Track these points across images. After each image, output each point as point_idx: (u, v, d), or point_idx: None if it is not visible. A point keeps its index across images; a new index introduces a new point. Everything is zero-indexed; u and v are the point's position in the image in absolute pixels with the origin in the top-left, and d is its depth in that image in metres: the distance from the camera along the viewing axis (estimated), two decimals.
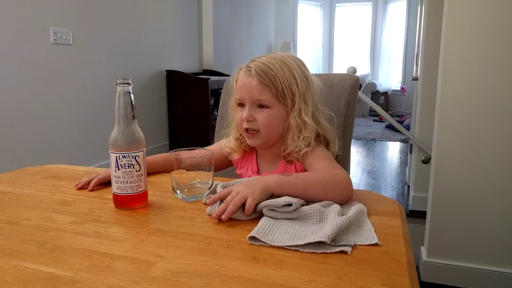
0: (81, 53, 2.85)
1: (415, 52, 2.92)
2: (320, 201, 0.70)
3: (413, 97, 2.91)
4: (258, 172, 0.97)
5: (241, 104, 0.91)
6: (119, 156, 0.71)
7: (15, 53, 2.36)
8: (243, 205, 0.67)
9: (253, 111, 0.88)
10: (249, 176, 0.88)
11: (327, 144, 0.93)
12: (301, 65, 0.91)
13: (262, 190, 0.68)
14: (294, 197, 0.68)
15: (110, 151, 0.73)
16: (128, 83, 0.72)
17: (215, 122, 1.26)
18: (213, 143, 1.11)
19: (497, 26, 1.47)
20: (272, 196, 0.70)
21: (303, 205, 0.68)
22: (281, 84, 0.86)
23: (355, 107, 1.12)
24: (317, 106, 0.92)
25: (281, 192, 0.69)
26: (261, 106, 0.88)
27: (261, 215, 0.67)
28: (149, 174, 0.91)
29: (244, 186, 0.69)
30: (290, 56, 0.92)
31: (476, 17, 1.50)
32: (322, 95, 0.97)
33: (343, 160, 1.08)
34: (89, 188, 0.85)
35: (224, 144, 1.01)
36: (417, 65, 2.73)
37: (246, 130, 0.90)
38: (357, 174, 3.49)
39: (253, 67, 0.87)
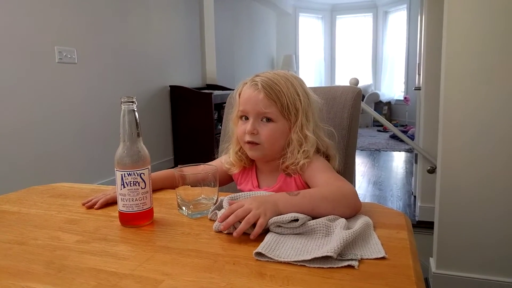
0: (85, 72, 2.89)
1: (417, 62, 2.93)
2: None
3: (417, 107, 2.91)
4: (258, 187, 0.97)
5: (244, 117, 0.92)
6: (124, 174, 0.72)
7: (21, 72, 2.40)
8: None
9: (257, 124, 0.89)
10: (249, 191, 0.88)
11: (327, 159, 0.93)
12: (302, 83, 0.94)
13: (274, 211, 0.68)
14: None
15: (115, 169, 0.73)
16: (132, 102, 0.73)
17: (219, 136, 1.27)
18: (217, 157, 1.12)
19: (497, 34, 1.48)
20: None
21: (309, 220, 0.68)
22: (286, 99, 0.88)
23: (358, 119, 1.12)
24: (317, 124, 0.94)
25: (289, 212, 0.68)
26: (266, 120, 0.89)
27: (267, 230, 0.67)
28: (154, 190, 0.91)
29: (256, 204, 0.68)
30: (292, 74, 0.95)
31: (476, 25, 1.50)
32: (322, 113, 0.99)
33: (348, 172, 1.08)
34: (96, 206, 0.85)
35: (224, 159, 1.01)
36: (419, 74, 2.74)
37: (248, 142, 0.90)
38: (362, 185, 3.47)
39: (259, 81, 0.89)
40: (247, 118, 0.91)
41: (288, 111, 0.89)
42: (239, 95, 0.93)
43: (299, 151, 0.88)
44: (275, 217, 0.66)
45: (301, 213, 0.67)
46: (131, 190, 0.72)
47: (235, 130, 0.97)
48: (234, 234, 0.65)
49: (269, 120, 0.89)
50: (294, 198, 0.71)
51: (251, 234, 0.65)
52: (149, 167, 0.75)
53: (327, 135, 0.95)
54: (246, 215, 0.66)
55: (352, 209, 0.73)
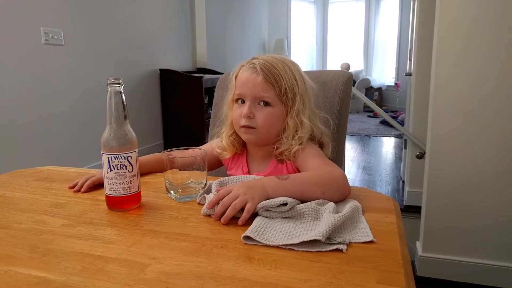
0: (73, 53, 2.82)
1: (408, 48, 2.93)
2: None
3: (407, 93, 2.91)
4: (249, 173, 0.96)
5: (240, 100, 0.90)
6: (111, 157, 0.70)
7: (6, 54, 2.33)
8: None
9: (253, 108, 0.88)
10: None
11: (321, 146, 0.93)
12: (299, 68, 0.92)
13: (262, 196, 0.67)
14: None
15: (102, 152, 0.72)
16: (119, 83, 0.71)
17: (210, 120, 1.25)
18: (207, 141, 1.11)
19: (489, 20, 1.48)
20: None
21: (298, 203, 0.67)
22: (284, 83, 0.87)
23: (348, 104, 1.12)
24: (313, 110, 0.93)
25: (278, 196, 0.68)
26: (263, 103, 0.88)
27: (255, 214, 0.67)
28: (142, 174, 0.90)
29: (244, 190, 0.67)
30: (288, 58, 0.93)
31: (468, 12, 1.50)
32: (318, 99, 0.98)
33: (338, 157, 1.08)
34: (83, 189, 0.84)
35: (215, 144, 1.00)
36: (410, 60, 2.73)
37: (243, 126, 0.89)
38: (352, 170, 3.50)
39: (257, 64, 0.87)
40: (243, 102, 0.89)
41: (286, 96, 0.87)
42: (236, 77, 0.91)
43: (294, 137, 0.87)
44: (264, 201, 0.66)
45: (290, 197, 0.67)
46: (118, 174, 0.71)
47: (229, 113, 0.95)
48: (222, 220, 0.65)
49: (266, 104, 0.87)
50: (284, 182, 0.70)
51: (239, 219, 0.64)
52: (137, 150, 0.74)
53: (322, 122, 0.95)
54: (233, 202, 0.65)
55: (341, 193, 0.73)
